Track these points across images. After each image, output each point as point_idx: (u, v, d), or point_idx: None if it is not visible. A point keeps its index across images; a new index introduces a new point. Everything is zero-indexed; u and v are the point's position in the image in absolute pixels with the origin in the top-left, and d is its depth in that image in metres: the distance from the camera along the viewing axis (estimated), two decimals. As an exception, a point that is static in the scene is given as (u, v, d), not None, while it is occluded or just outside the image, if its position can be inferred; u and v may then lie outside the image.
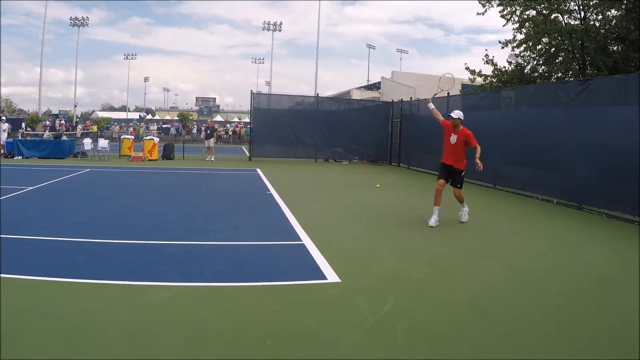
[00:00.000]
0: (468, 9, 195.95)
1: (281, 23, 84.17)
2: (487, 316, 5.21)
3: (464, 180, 10.37)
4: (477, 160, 9.62)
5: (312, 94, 43.18)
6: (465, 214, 10.47)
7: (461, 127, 10.03)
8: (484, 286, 6.26)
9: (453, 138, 10.07)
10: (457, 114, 10.07)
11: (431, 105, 10.99)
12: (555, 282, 6.57)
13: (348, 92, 55.84)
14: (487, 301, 5.70)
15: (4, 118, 28.50)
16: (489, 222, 10.80)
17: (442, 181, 10.18)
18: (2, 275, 5.95)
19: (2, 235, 7.94)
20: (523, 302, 5.71)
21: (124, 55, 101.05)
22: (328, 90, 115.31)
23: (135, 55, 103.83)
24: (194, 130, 58.16)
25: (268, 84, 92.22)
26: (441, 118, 10.62)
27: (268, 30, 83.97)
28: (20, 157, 24.78)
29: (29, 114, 68.09)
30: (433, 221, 9.91)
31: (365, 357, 4.20)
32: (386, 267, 7.03)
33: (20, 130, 39.48)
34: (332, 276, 6.36)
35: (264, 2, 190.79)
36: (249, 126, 30.91)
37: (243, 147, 42.72)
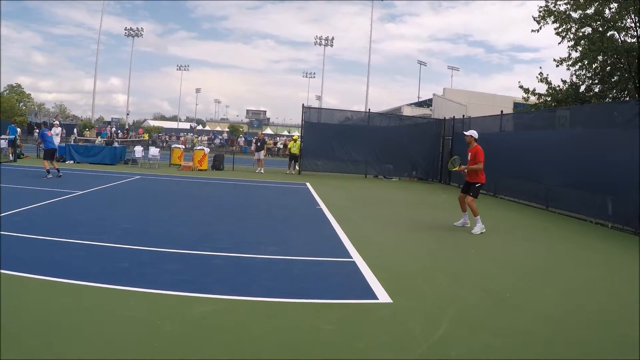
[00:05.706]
0: (508, 28, 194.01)
1: (333, 38, 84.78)
2: (544, 347, 4.86)
3: (478, 192, 11.24)
4: (463, 167, 11.29)
5: (362, 109, 43.00)
6: (478, 228, 10.91)
7: (474, 144, 11.15)
8: (540, 313, 5.88)
9: (469, 155, 11.21)
10: (468, 132, 11.43)
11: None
12: (616, 312, 6.16)
13: (399, 109, 55.57)
14: (543, 329, 5.34)
15: (56, 122, 29.15)
16: (543, 246, 10.36)
17: (461, 195, 11.51)
18: (47, 278, 5.96)
19: (47, 238, 8.06)
20: (583, 333, 5.35)
21: (177, 66, 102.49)
22: (375, 106, 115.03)
23: (188, 66, 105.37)
24: (241, 142, 58.93)
25: (319, 98, 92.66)
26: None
27: (320, 44, 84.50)
28: (71, 162, 25.40)
29: (81, 120, 70.30)
30: (460, 223, 11.66)
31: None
32: (439, 288, 6.74)
33: (72, 135, 40.48)
34: (383, 296, 6.10)
35: (305, 18, 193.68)
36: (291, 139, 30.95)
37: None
